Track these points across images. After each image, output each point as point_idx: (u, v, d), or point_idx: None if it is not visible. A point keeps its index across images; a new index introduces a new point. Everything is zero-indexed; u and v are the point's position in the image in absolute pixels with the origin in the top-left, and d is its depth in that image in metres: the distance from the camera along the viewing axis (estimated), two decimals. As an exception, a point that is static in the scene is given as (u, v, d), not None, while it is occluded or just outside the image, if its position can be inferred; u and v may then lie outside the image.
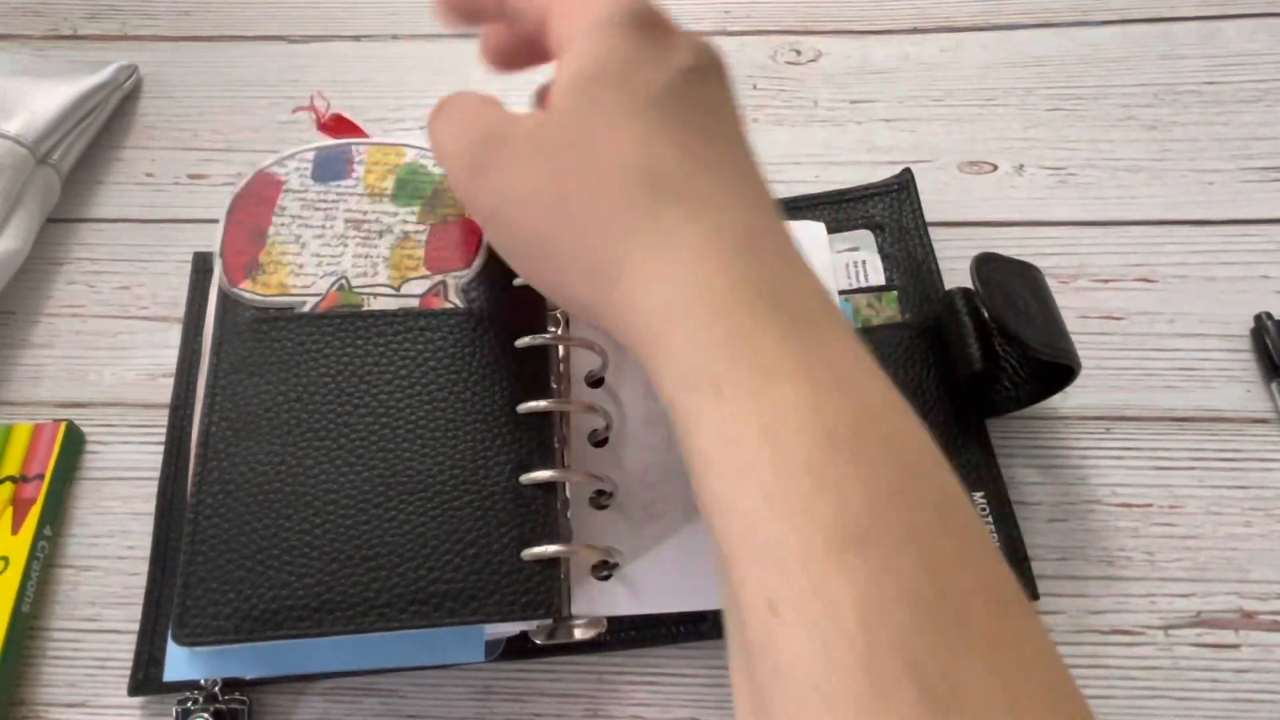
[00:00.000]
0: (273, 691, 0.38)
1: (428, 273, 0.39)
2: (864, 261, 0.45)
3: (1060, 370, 0.39)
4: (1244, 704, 0.37)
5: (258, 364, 0.37)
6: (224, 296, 0.39)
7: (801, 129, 0.52)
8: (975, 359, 0.39)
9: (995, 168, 0.50)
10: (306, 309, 0.38)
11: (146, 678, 0.38)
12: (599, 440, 0.40)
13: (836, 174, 0.50)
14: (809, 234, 0.45)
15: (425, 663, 0.36)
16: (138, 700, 0.38)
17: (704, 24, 0.56)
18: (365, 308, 0.39)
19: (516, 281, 0.40)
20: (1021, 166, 0.50)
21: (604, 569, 0.38)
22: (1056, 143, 0.51)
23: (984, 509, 0.39)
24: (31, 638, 0.39)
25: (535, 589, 0.34)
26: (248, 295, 0.39)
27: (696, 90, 0.32)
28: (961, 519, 0.25)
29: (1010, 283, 0.40)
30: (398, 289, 0.39)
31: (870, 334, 0.43)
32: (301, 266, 0.39)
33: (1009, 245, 0.47)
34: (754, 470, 0.25)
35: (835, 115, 0.52)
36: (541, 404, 0.37)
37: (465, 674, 0.38)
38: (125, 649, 0.39)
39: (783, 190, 0.49)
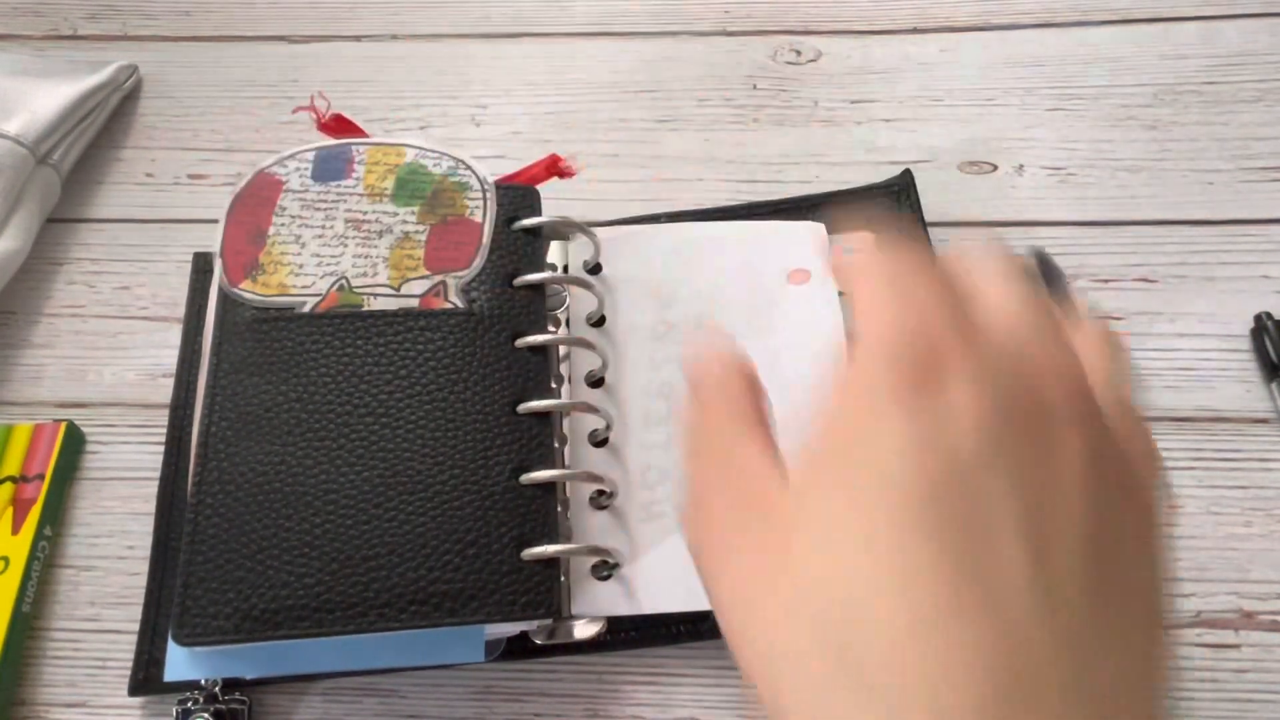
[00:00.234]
0: (273, 691, 0.38)
1: (427, 272, 0.39)
2: (864, 262, 0.45)
3: None
4: (1244, 704, 0.37)
5: (258, 364, 0.37)
6: (224, 296, 0.39)
7: (801, 129, 0.52)
8: None
9: (995, 168, 0.50)
10: (306, 309, 0.38)
11: (147, 678, 0.38)
12: (599, 440, 0.40)
13: (836, 174, 0.50)
14: (809, 235, 0.45)
15: (425, 663, 0.36)
16: (138, 700, 0.38)
17: (704, 24, 0.56)
18: (365, 307, 0.39)
19: (516, 281, 0.40)
20: (1021, 166, 0.50)
21: (603, 569, 0.38)
22: (1056, 143, 0.51)
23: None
24: (31, 638, 0.39)
25: (535, 589, 0.34)
26: (248, 295, 0.39)
27: (1114, 529, 0.22)
28: None
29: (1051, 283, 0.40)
30: (398, 289, 0.39)
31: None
32: (301, 266, 0.39)
33: (1009, 245, 0.47)
34: None
35: (835, 115, 0.52)
36: (542, 404, 0.37)
37: (465, 674, 0.38)
38: (125, 649, 0.39)
39: (782, 190, 0.49)
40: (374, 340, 0.38)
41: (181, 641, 0.33)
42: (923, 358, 0.23)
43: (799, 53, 0.55)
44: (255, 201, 0.41)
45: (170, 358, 0.45)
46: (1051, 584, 0.21)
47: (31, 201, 0.48)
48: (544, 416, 0.38)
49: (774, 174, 0.50)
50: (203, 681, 0.37)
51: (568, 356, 0.42)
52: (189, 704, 0.37)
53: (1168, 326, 0.45)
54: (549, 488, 0.36)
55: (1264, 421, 0.43)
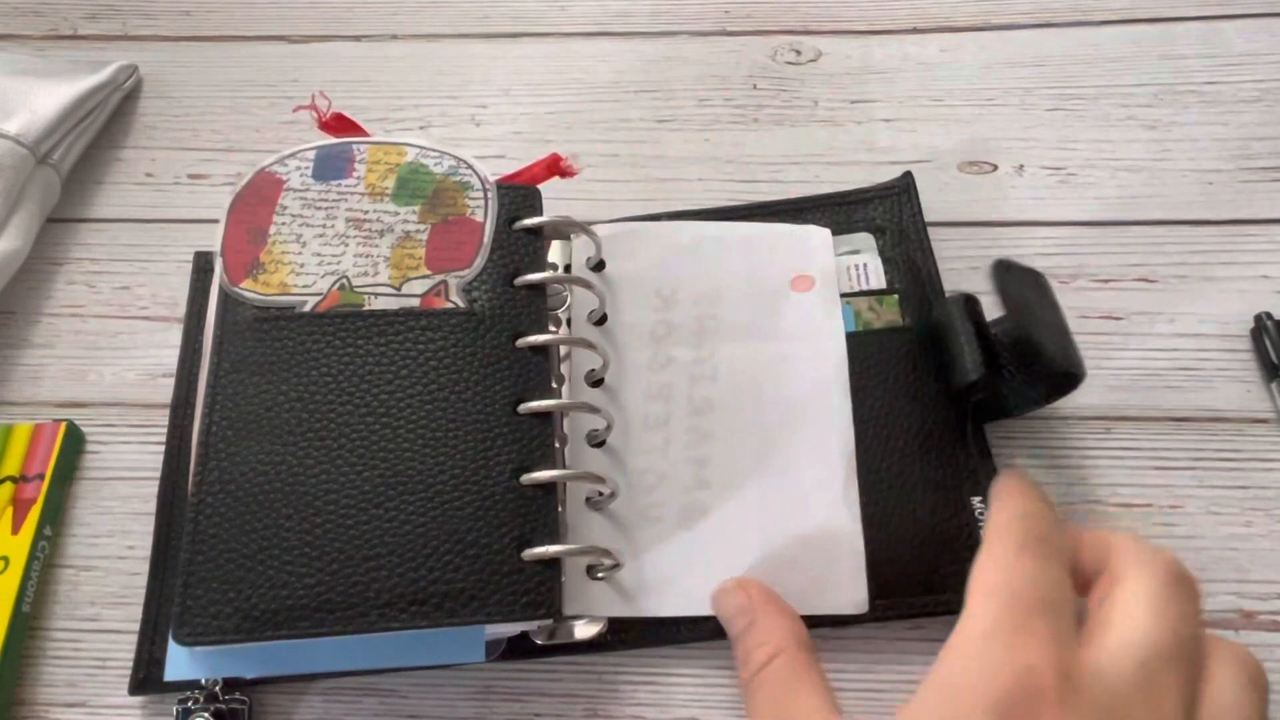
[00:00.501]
0: (273, 691, 0.38)
1: (428, 272, 0.39)
2: (865, 264, 0.45)
3: (1063, 378, 0.39)
4: (1244, 704, 0.37)
5: (259, 363, 0.37)
6: (225, 296, 0.39)
7: (801, 129, 0.52)
8: (976, 367, 0.39)
9: (995, 168, 0.50)
10: (307, 308, 0.38)
11: (147, 677, 0.38)
12: (598, 441, 0.40)
13: (836, 174, 0.50)
14: (815, 239, 0.45)
15: (426, 663, 0.36)
16: (138, 700, 0.38)
17: (704, 24, 0.56)
18: (366, 307, 0.39)
19: (517, 281, 0.40)
20: (1021, 166, 0.50)
21: (601, 570, 0.38)
22: (1056, 143, 0.51)
23: (981, 513, 0.39)
24: (31, 638, 0.39)
25: (536, 589, 0.34)
26: (249, 294, 0.39)
27: None
28: None
29: (1025, 289, 0.40)
30: (398, 288, 0.39)
31: (871, 337, 0.43)
32: (302, 266, 0.39)
33: (1009, 245, 0.47)
34: None
35: (835, 115, 0.52)
36: (543, 404, 0.37)
37: (465, 674, 0.38)
38: (125, 649, 0.39)
39: (782, 190, 0.49)
40: (375, 340, 0.38)
41: (182, 641, 0.33)
42: (1023, 699, 0.25)
43: (799, 53, 0.55)
44: (256, 200, 0.41)
45: (170, 358, 0.45)
46: None
47: (31, 201, 0.48)
48: (545, 417, 0.38)
49: (774, 174, 0.50)
50: (203, 681, 0.37)
51: (568, 356, 0.42)
52: (189, 703, 0.37)
53: (1168, 326, 0.45)
54: (550, 488, 0.36)
55: (1264, 421, 0.43)
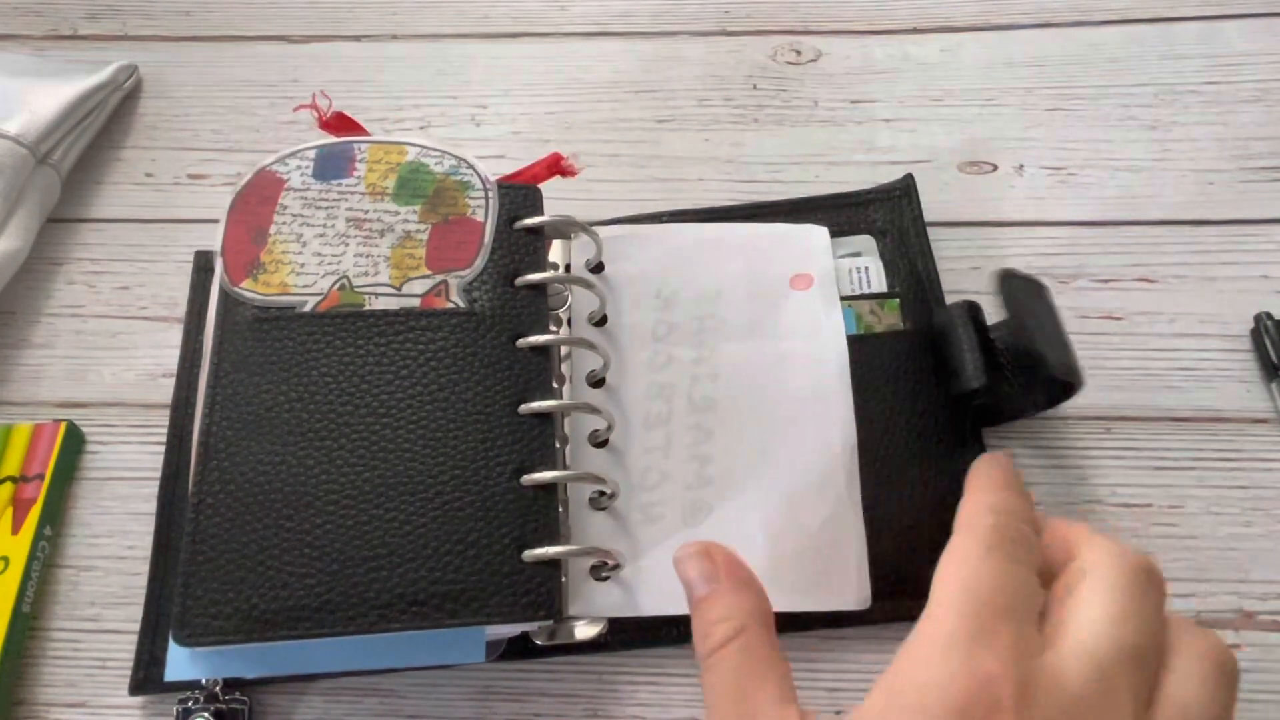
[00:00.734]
0: (273, 691, 0.38)
1: (429, 272, 0.39)
2: (866, 267, 0.45)
3: (1061, 387, 0.40)
4: (1244, 704, 0.37)
5: (259, 363, 0.37)
6: (225, 295, 0.39)
7: (801, 129, 0.52)
8: (978, 374, 0.40)
9: (995, 168, 0.50)
10: (308, 308, 0.38)
11: (147, 677, 0.38)
12: (599, 441, 0.40)
13: (836, 174, 0.50)
14: (813, 238, 0.45)
15: (426, 663, 0.36)
16: (138, 700, 0.38)
17: (704, 24, 0.56)
18: (366, 307, 0.39)
19: (518, 281, 0.40)
20: (1021, 166, 0.50)
21: (603, 570, 0.38)
22: (1056, 143, 0.51)
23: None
24: (31, 638, 0.39)
25: (536, 590, 0.34)
26: (249, 294, 0.39)
27: None
28: None
29: (1028, 300, 0.40)
30: (399, 288, 0.39)
31: (872, 341, 0.43)
32: (303, 265, 0.39)
33: (1009, 245, 0.47)
34: None
35: (835, 115, 0.52)
36: (543, 404, 0.37)
37: (465, 674, 0.38)
38: (125, 649, 0.39)
39: (783, 191, 0.49)
40: (375, 340, 0.38)
41: (182, 642, 0.33)
42: (978, 714, 0.25)
43: (799, 53, 0.55)
44: (257, 200, 0.41)
45: (170, 358, 0.45)
46: None
47: (31, 201, 0.48)
48: (545, 417, 0.38)
49: (774, 174, 0.50)
50: (203, 681, 0.37)
51: (569, 356, 0.42)
52: (189, 703, 0.37)
53: (1168, 326, 0.45)
54: (550, 489, 0.36)
55: (1264, 421, 0.43)
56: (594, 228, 0.43)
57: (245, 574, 0.34)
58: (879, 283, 0.45)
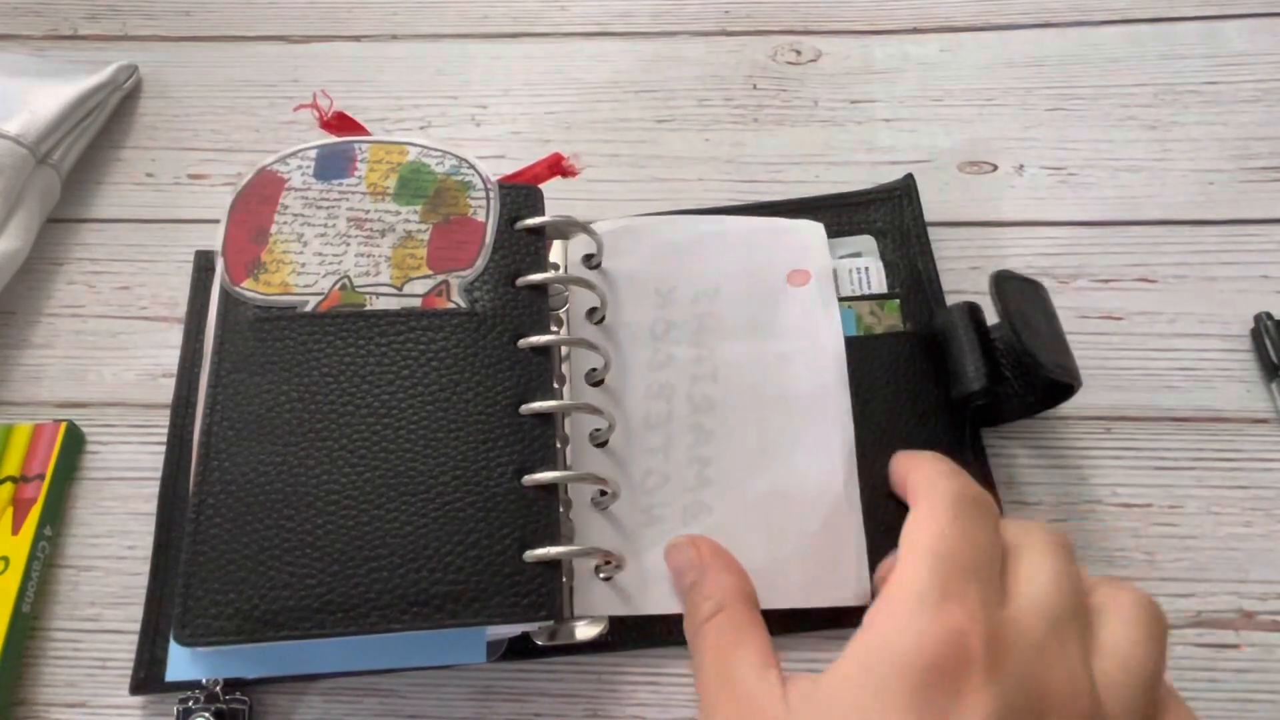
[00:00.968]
0: (273, 691, 0.38)
1: (430, 272, 0.39)
2: (867, 268, 0.45)
3: (1058, 389, 0.40)
4: (1244, 704, 0.37)
5: (260, 363, 0.37)
6: (226, 295, 0.39)
7: (801, 129, 0.52)
8: (979, 377, 0.40)
9: (995, 168, 0.50)
10: (309, 308, 0.38)
11: (148, 677, 0.38)
12: (600, 441, 0.40)
13: (836, 174, 0.50)
14: (810, 234, 0.45)
15: (427, 663, 0.36)
16: (138, 700, 0.38)
17: (704, 24, 0.56)
18: (367, 307, 0.39)
19: (519, 281, 0.40)
20: (1021, 166, 0.50)
21: (605, 570, 0.38)
22: (1056, 143, 0.51)
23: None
24: (31, 638, 0.39)
25: (537, 590, 0.34)
26: (250, 294, 0.39)
27: None
28: None
29: (1024, 302, 0.40)
30: (400, 288, 0.39)
31: (872, 342, 0.43)
32: (304, 265, 0.39)
33: (1009, 245, 0.47)
34: None
35: (835, 115, 0.52)
36: (544, 405, 0.37)
37: (465, 674, 0.38)
38: (125, 649, 0.39)
39: (783, 191, 0.49)
40: (376, 340, 0.38)
41: (183, 642, 0.33)
42: (950, 666, 0.27)
43: (799, 53, 0.55)
44: (258, 199, 0.41)
45: (170, 358, 0.45)
46: None
47: (31, 201, 0.48)
48: (546, 417, 0.38)
49: (774, 174, 0.50)
50: (204, 681, 0.37)
51: (568, 356, 0.42)
52: (190, 703, 0.37)
53: (1168, 326, 0.45)
54: (551, 489, 0.36)
55: (1264, 421, 0.43)
56: (592, 225, 0.43)
57: (246, 574, 0.34)
58: (879, 283, 0.45)
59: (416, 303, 0.39)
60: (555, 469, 0.37)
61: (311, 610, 0.33)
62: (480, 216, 0.41)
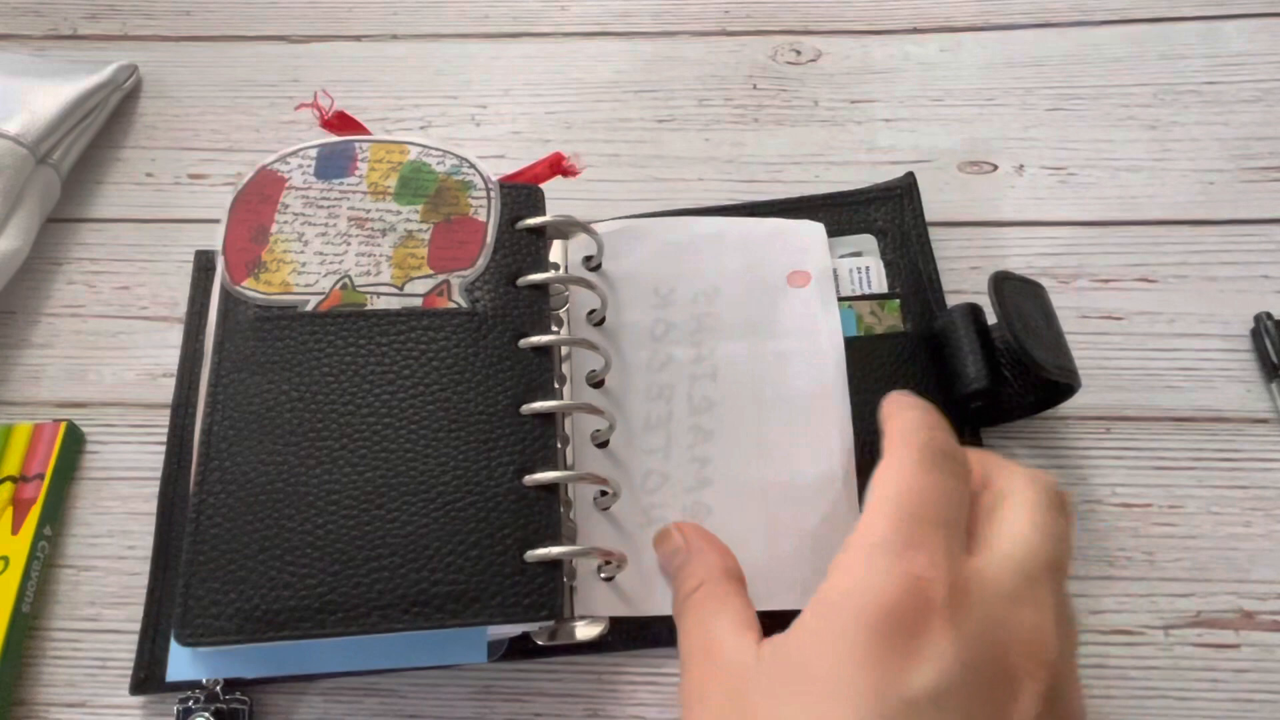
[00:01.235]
0: (274, 691, 0.38)
1: (431, 272, 0.39)
2: (867, 267, 0.45)
3: (1058, 389, 0.40)
4: (1244, 704, 0.37)
5: (260, 363, 0.37)
6: (226, 295, 0.39)
7: (801, 129, 0.52)
8: (980, 377, 0.40)
9: (995, 168, 0.50)
10: (309, 308, 0.38)
11: (148, 677, 0.38)
12: (600, 442, 0.40)
13: (836, 174, 0.50)
14: (810, 235, 0.45)
15: (427, 663, 0.36)
16: (138, 700, 0.38)
17: (704, 24, 0.56)
18: (368, 307, 0.38)
19: (520, 281, 0.40)
20: (1021, 166, 0.50)
21: (607, 570, 0.38)
22: (1056, 143, 0.51)
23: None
24: (31, 638, 0.39)
25: (538, 591, 0.34)
26: (250, 294, 0.39)
27: None
28: None
29: (1023, 302, 0.40)
30: (401, 288, 0.39)
31: (872, 342, 0.43)
32: (304, 265, 0.39)
33: (1009, 245, 0.47)
34: None
35: (835, 115, 0.52)
36: (545, 405, 0.37)
37: (466, 674, 0.38)
38: (125, 649, 0.39)
39: (783, 190, 0.49)
40: (377, 340, 0.38)
41: (184, 642, 0.33)
42: (909, 614, 0.26)
43: (799, 53, 0.55)
44: (258, 199, 0.41)
45: (170, 357, 0.45)
46: None
47: (31, 201, 0.48)
48: (547, 417, 0.38)
49: (774, 174, 0.50)
50: (204, 681, 0.37)
51: (569, 356, 0.42)
52: (190, 703, 0.37)
53: (1167, 326, 0.45)
54: (552, 489, 0.36)
55: (1264, 421, 0.43)
56: (592, 226, 0.43)
57: (246, 574, 0.34)
58: (879, 283, 0.45)
59: (417, 302, 0.39)
60: (556, 469, 0.37)
61: (312, 610, 0.33)
62: (481, 216, 0.41)
